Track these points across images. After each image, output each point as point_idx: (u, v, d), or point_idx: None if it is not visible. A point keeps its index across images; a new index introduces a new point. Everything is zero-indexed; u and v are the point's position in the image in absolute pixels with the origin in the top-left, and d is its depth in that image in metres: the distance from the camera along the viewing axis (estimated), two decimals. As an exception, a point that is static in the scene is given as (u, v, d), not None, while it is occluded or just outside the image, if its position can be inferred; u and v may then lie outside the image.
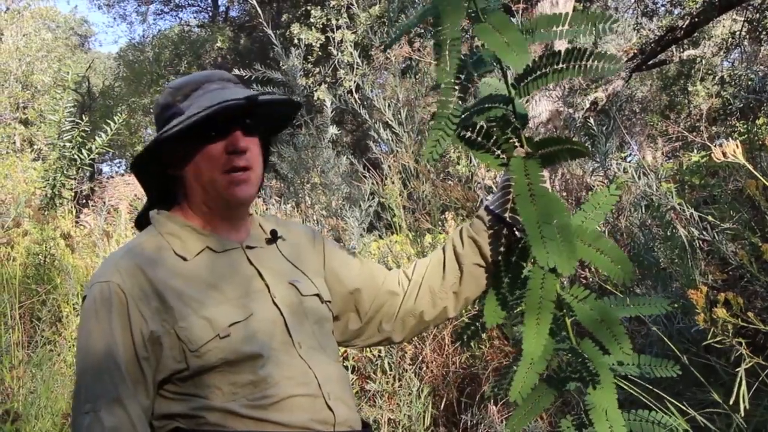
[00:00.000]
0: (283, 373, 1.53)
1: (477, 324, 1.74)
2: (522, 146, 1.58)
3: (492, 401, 3.70)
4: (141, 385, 1.48)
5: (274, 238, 1.72)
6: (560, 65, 1.46)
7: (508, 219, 1.68)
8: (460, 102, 1.43)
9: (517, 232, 1.68)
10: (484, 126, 1.59)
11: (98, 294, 1.50)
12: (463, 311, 3.07)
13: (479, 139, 1.59)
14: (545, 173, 1.54)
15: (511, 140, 1.59)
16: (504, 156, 1.60)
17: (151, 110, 1.68)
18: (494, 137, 1.59)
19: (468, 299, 1.80)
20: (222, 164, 1.58)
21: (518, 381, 1.52)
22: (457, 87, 1.43)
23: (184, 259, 1.57)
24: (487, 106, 1.55)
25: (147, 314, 1.49)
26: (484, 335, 4.01)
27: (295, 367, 1.56)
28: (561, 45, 5.45)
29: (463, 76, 1.44)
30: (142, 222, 1.72)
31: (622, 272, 1.49)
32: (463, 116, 1.48)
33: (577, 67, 1.44)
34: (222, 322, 1.51)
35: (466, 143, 1.59)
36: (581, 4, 9.08)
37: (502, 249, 1.70)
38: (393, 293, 1.81)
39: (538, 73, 1.49)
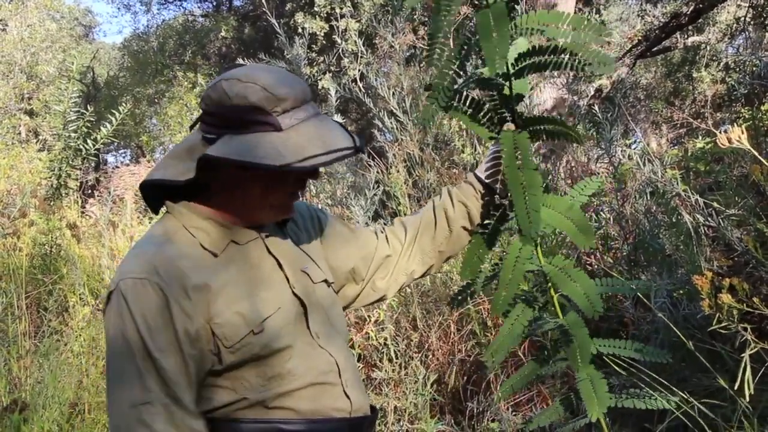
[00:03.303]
0: (307, 363, 1.55)
1: (469, 290, 1.94)
2: (513, 121, 1.71)
3: (497, 389, 3.71)
4: (189, 382, 1.45)
5: (284, 223, 1.71)
6: (556, 57, 1.59)
7: (496, 188, 1.83)
8: (456, 75, 1.58)
9: (498, 199, 1.84)
10: (479, 99, 1.72)
11: (134, 290, 1.44)
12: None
13: (473, 111, 1.73)
14: (532, 147, 1.71)
15: (503, 114, 1.72)
16: (496, 129, 1.74)
17: (209, 93, 1.49)
18: (487, 110, 1.73)
19: (448, 258, 1.96)
20: (279, 199, 1.58)
21: (494, 344, 1.70)
22: (455, 62, 1.57)
23: (214, 255, 1.54)
24: (486, 78, 1.68)
25: (189, 311, 1.45)
26: (489, 323, 4.02)
27: (317, 357, 1.57)
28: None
29: (463, 53, 1.59)
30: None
31: (584, 238, 1.67)
32: (461, 85, 1.64)
33: (570, 62, 1.56)
34: (255, 318, 1.50)
35: (461, 114, 1.73)
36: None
37: (486, 214, 1.86)
38: (386, 256, 1.90)
39: (534, 60, 1.61)
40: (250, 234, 1.61)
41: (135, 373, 1.42)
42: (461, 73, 1.58)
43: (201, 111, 1.58)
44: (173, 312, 1.44)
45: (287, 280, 1.61)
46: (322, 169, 1.68)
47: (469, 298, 1.95)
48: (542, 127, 1.68)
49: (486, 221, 1.85)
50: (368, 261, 1.87)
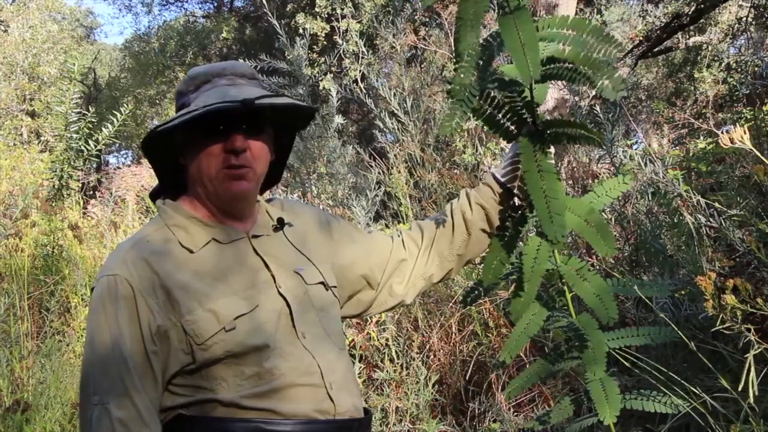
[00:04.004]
0: (287, 364, 1.55)
1: (479, 289, 1.88)
2: (534, 122, 1.65)
3: (500, 389, 3.71)
4: (149, 378, 1.48)
5: (280, 225, 1.72)
6: (572, 71, 1.52)
7: (515, 191, 1.80)
8: (478, 78, 1.49)
9: (517, 201, 1.81)
10: (499, 100, 1.65)
11: (105, 287, 1.51)
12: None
13: (492, 111, 1.66)
14: (552, 150, 1.65)
15: (524, 115, 1.66)
16: (514, 129, 1.68)
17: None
18: (506, 111, 1.66)
19: (468, 261, 1.92)
20: (220, 161, 1.58)
21: (510, 342, 1.66)
22: (477, 64, 1.49)
23: (191, 252, 1.58)
24: (506, 80, 1.61)
25: (154, 308, 1.50)
26: (491, 324, 4.01)
27: (299, 358, 1.57)
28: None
29: (484, 57, 1.51)
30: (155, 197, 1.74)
31: (605, 245, 1.61)
32: (480, 86, 1.55)
33: (583, 77, 1.49)
34: (227, 315, 1.52)
35: (478, 113, 1.66)
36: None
37: (506, 216, 1.81)
38: (402, 260, 1.88)
39: (555, 67, 1.55)
40: (235, 233, 1.64)
41: (96, 369, 1.48)
42: (484, 78, 1.53)
43: None
44: (139, 307, 1.49)
45: (273, 279, 1.62)
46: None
47: (481, 296, 1.91)
48: (563, 131, 1.63)
49: (506, 223, 1.81)
50: (383, 265, 1.86)
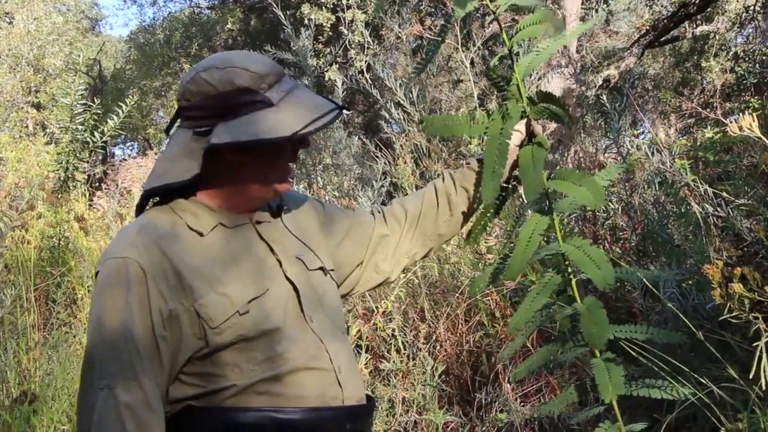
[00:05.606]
0: (297, 348, 1.55)
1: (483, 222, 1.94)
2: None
3: (506, 379, 3.71)
4: (157, 364, 1.46)
5: (279, 211, 1.72)
6: None
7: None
8: None
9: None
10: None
11: (114, 269, 1.48)
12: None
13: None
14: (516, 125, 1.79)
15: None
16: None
17: (189, 87, 1.51)
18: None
19: (445, 241, 2.01)
20: (280, 174, 1.61)
21: (515, 318, 1.74)
22: None
23: (200, 235, 1.56)
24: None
25: (166, 292, 1.47)
26: (497, 314, 4.01)
27: (308, 342, 1.57)
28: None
29: None
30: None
31: (594, 199, 1.69)
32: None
33: None
34: (241, 299, 1.52)
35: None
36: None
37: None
38: (384, 236, 1.91)
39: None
40: (239, 219, 1.63)
41: (104, 353, 1.45)
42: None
43: (181, 108, 1.59)
44: (150, 291, 1.47)
45: (279, 264, 1.62)
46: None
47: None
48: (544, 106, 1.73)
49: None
50: (366, 242, 1.88)
